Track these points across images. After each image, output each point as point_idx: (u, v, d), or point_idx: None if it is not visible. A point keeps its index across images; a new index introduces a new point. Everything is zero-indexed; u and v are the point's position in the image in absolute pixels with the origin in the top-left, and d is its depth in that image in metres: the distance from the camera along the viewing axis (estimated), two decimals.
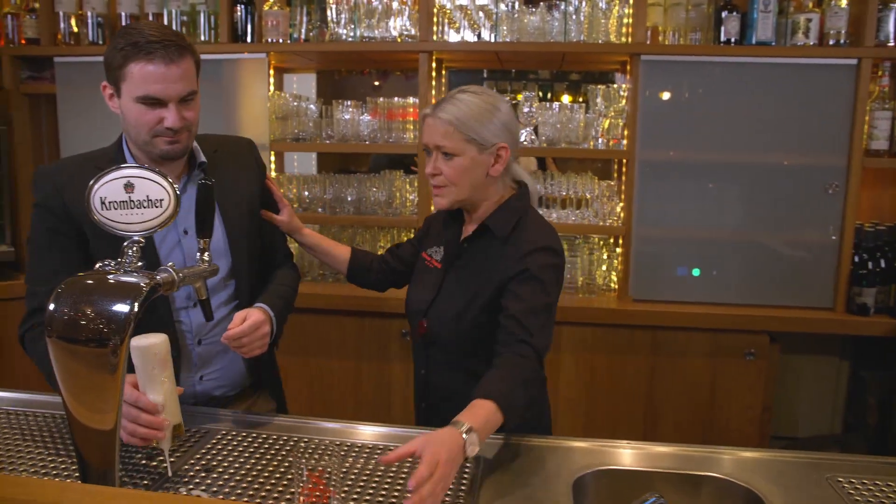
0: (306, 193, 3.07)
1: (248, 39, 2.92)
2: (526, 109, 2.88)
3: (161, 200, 1.05)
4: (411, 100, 2.93)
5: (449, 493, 1.27)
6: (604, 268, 2.93)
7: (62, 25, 3.04)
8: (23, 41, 3.11)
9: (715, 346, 2.70)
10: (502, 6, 2.79)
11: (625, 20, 2.74)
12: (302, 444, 1.48)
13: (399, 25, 2.86)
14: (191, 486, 1.29)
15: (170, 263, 1.08)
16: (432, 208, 2.42)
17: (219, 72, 2.92)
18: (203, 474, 1.34)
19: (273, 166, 3.28)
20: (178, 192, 1.06)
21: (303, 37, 2.94)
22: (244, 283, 1.71)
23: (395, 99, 2.94)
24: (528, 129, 2.93)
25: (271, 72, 3.15)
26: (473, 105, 1.59)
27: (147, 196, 1.05)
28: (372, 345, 2.88)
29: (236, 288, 1.72)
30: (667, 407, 2.75)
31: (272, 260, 1.83)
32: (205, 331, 1.67)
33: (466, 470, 1.37)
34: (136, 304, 0.95)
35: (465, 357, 1.67)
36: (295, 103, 3.05)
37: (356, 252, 1.95)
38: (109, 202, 1.05)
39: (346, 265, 1.92)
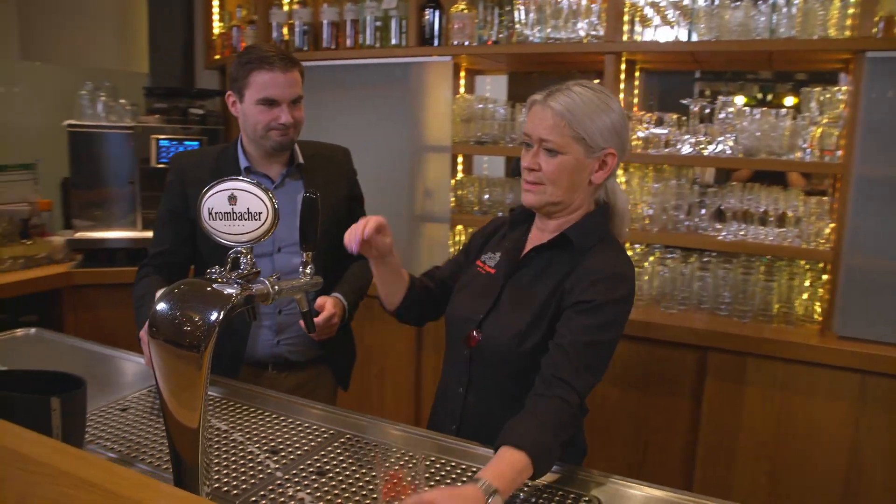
0: (486, 196, 3.04)
1: (436, 43, 2.95)
2: (721, 115, 2.60)
3: (260, 214, 1.07)
4: None
5: None
6: (805, 296, 2.56)
7: (275, 34, 3.31)
8: (244, 49, 3.44)
9: None
10: (700, 1, 2.53)
11: (849, 10, 2.35)
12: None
13: (586, 25, 2.72)
14: (298, 489, 1.31)
15: (274, 275, 1.10)
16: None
17: (406, 75, 2.98)
18: (314, 476, 1.36)
19: (460, 168, 3.30)
20: (276, 207, 1.08)
21: (493, 38, 2.91)
22: (320, 268, 1.92)
23: None
24: (723, 136, 2.65)
25: (462, 74, 3.17)
26: (587, 99, 1.43)
27: (248, 208, 1.08)
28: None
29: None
30: (876, 471, 2.32)
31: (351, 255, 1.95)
32: (285, 302, 1.97)
33: None
34: (222, 314, 0.97)
35: (515, 382, 1.48)
36: (480, 105, 3.03)
37: (413, 281, 1.70)
38: (216, 212, 1.10)
39: (402, 297, 1.67)
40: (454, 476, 1.38)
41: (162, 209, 2.00)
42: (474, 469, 1.40)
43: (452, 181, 3.07)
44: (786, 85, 4.68)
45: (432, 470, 1.40)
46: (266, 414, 1.65)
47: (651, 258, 2.82)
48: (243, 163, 1.98)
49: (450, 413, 1.62)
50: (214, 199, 1.10)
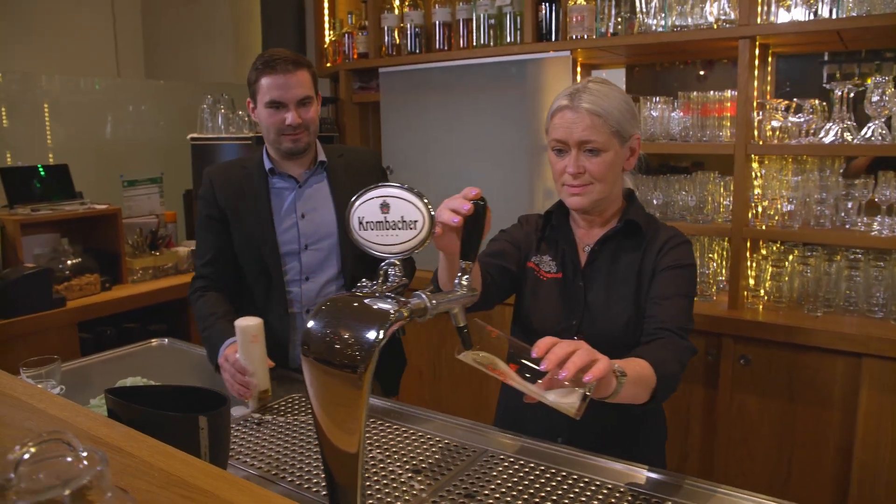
0: None
1: (553, 38, 2.84)
2: (875, 98, 2.36)
3: (415, 222, 1.00)
4: (729, 93, 2.59)
5: None
6: None
7: (386, 39, 3.29)
8: (355, 56, 3.44)
9: None
10: None
11: None
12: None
13: (716, 10, 2.54)
14: None
15: (427, 289, 1.03)
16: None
17: (523, 72, 2.89)
18: (463, 500, 1.28)
19: None
20: (432, 214, 1.00)
21: (610, 30, 2.78)
22: (348, 265, 2.01)
23: (711, 93, 2.62)
24: (877, 122, 2.40)
25: (578, 69, 3.05)
26: (608, 92, 1.48)
27: (402, 217, 1.01)
28: None
29: (341, 268, 2.02)
30: None
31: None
32: (313, 302, 1.99)
33: None
34: (383, 333, 0.91)
35: None
36: None
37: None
38: (367, 222, 1.04)
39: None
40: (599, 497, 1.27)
41: (200, 219, 2.05)
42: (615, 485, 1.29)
43: None
44: None
45: (572, 484, 1.30)
46: (399, 429, 1.60)
47: (790, 257, 2.60)
48: (267, 164, 2.01)
49: (552, 422, 1.50)
50: (365, 208, 1.04)
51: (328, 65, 3.86)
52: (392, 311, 0.93)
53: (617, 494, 1.29)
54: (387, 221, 1.01)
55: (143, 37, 4.61)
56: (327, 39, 3.88)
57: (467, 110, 3.05)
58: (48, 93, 3.59)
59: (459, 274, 1.13)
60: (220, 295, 2.00)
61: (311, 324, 0.97)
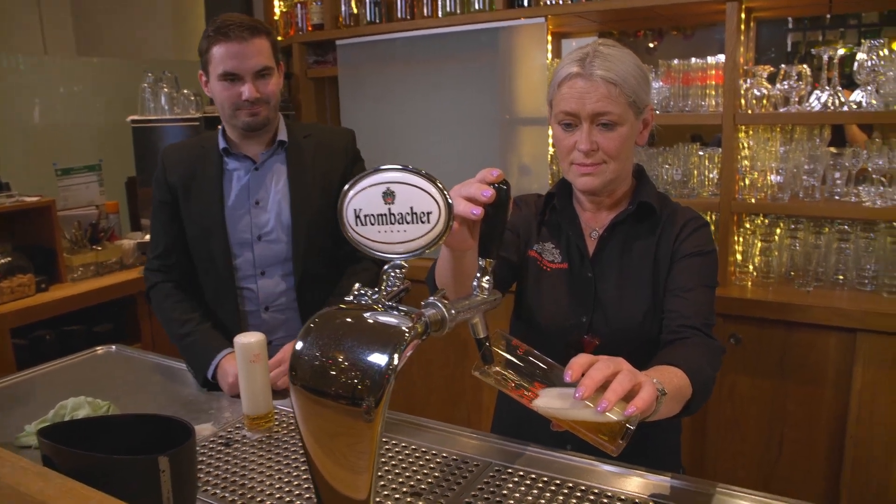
0: None
1: (525, 3, 2.65)
2: (869, 63, 2.24)
3: (429, 214, 0.79)
4: (713, 59, 2.45)
5: None
6: None
7: (343, 8, 3.07)
8: (309, 27, 3.19)
9: None
10: None
11: None
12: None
13: None
14: None
15: (440, 293, 0.82)
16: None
17: (493, 41, 2.71)
18: None
19: (551, 142, 3.02)
20: (450, 202, 0.79)
21: None
22: (300, 262, 1.81)
23: (693, 60, 2.48)
24: (867, 88, 2.29)
25: (549, 38, 2.87)
26: (625, 58, 1.29)
27: (410, 208, 0.80)
28: None
29: (294, 266, 1.82)
30: None
31: (353, 252, 1.77)
32: (272, 299, 1.84)
33: None
34: (397, 357, 0.72)
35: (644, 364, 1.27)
36: None
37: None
38: (366, 216, 0.82)
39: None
40: None
41: (153, 204, 1.87)
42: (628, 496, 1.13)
43: (549, 155, 2.78)
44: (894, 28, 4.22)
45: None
46: (388, 442, 1.40)
47: (778, 230, 2.49)
48: (221, 143, 1.82)
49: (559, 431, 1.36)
50: (363, 198, 0.82)
51: (279, 38, 3.60)
52: (406, 329, 0.74)
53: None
54: (392, 214, 0.80)
55: (71, 9, 4.22)
56: (277, 10, 3.62)
57: (434, 84, 2.87)
58: None
59: (479, 275, 0.93)
60: (185, 293, 1.85)
61: (300, 346, 0.77)
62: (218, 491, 1.25)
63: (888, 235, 2.30)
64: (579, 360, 0.92)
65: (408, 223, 0.80)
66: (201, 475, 1.30)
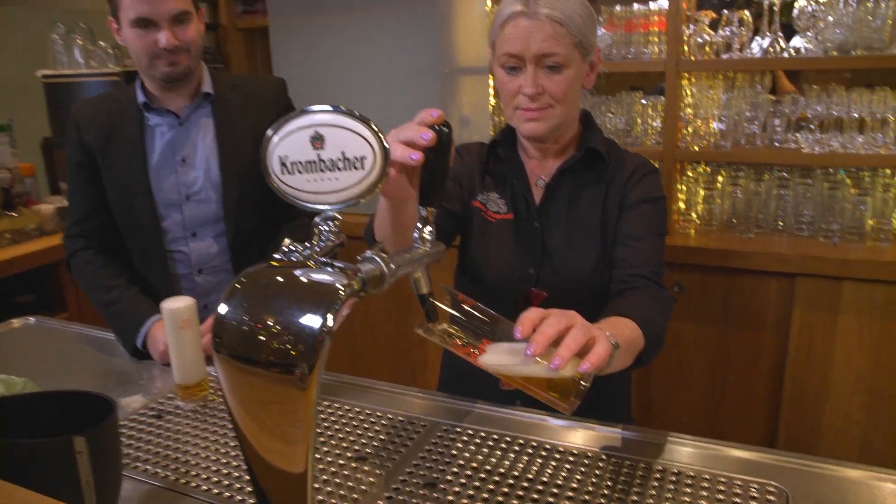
0: None
1: None
2: (809, 9, 2.22)
3: (363, 160, 0.71)
4: (655, 6, 2.40)
5: None
6: None
7: None
8: None
9: None
10: None
11: None
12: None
13: None
14: None
15: (378, 247, 0.75)
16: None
17: None
18: (423, 492, 1.06)
19: (492, 92, 2.94)
20: (386, 147, 0.71)
21: None
22: (232, 222, 1.72)
23: (635, 6, 2.42)
24: (807, 33, 2.28)
25: None
26: None
27: (342, 153, 0.71)
28: None
29: (226, 225, 1.73)
30: None
31: (288, 209, 1.63)
32: (205, 261, 1.75)
33: None
34: (332, 317, 0.64)
35: (594, 315, 1.24)
36: None
37: None
38: (292, 163, 0.74)
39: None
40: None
41: (69, 167, 1.74)
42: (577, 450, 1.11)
43: (491, 105, 2.70)
44: None
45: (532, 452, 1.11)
46: (330, 406, 1.34)
47: (720, 178, 2.49)
48: (140, 98, 1.69)
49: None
50: (289, 144, 0.72)
51: None
52: (341, 287, 0.66)
53: (586, 462, 1.10)
54: (322, 160, 0.71)
55: None
56: None
57: (370, 33, 2.75)
58: None
59: (420, 226, 0.86)
60: (108, 258, 1.73)
61: (223, 309, 0.69)
62: (149, 467, 1.17)
63: (825, 181, 2.33)
64: (530, 315, 0.86)
65: (339, 170, 0.71)
66: (130, 451, 1.22)
